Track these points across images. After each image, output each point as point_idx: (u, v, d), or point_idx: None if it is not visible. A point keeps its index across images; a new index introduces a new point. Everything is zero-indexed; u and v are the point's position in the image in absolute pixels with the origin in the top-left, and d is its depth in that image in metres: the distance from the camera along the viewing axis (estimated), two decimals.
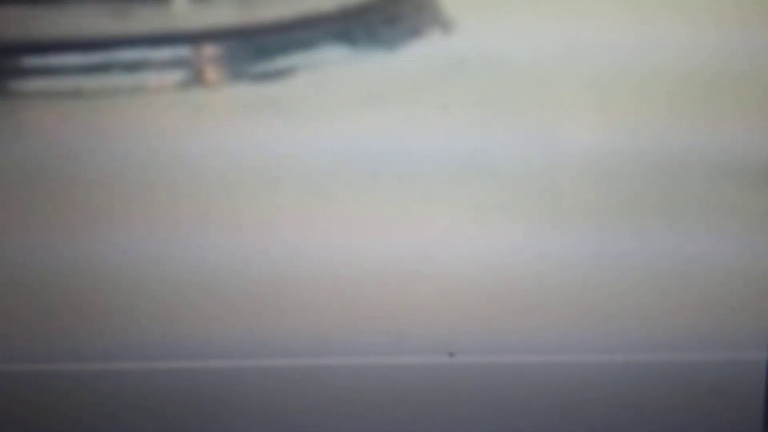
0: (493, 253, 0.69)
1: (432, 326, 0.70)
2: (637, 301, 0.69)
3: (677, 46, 0.65)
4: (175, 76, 0.66)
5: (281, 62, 0.66)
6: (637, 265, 0.69)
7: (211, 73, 0.67)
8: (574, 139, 0.67)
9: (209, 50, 0.66)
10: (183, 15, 0.66)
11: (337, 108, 0.66)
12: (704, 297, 0.69)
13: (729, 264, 0.69)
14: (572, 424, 0.71)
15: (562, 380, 0.71)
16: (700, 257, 0.68)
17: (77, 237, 0.69)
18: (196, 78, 0.67)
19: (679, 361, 0.70)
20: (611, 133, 0.67)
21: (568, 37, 0.65)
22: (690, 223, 0.68)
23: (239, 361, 0.71)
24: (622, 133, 0.67)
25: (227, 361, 0.71)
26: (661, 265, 0.69)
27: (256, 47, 0.66)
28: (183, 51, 0.66)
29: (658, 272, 0.69)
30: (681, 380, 0.71)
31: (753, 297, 0.69)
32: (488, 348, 0.71)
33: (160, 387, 0.72)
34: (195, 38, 0.66)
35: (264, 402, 0.72)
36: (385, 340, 0.71)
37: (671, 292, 0.69)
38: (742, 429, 0.71)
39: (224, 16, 0.66)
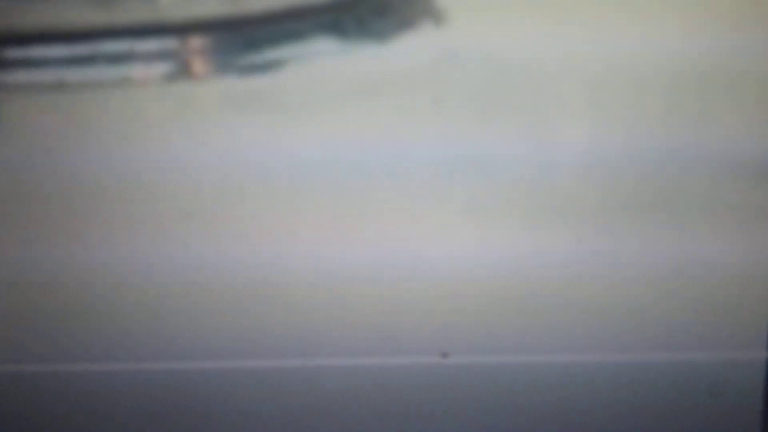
0: (487, 254, 0.68)
1: (424, 326, 0.69)
2: (635, 301, 0.68)
3: (673, 40, 0.64)
4: (161, 68, 0.65)
5: (270, 54, 0.64)
6: (635, 264, 0.67)
7: (199, 66, 0.65)
8: (569, 135, 0.65)
9: (196, 42, 0.65)
10: (169, 5, 0.65)
11: (326, 102, 0.65)
12: (703, 296, 0.68)
13: (728, 263, 0.67)
14: (568, 425, 0.70)
15: (557, 381, 0.69)
16: (699, 256, 0.67)
17: (61, 236, 0.68)
18: (183, 70, 0.65)
19: (677, 361, 0.69)
20: (608, 132, 0.65)
21: (561, 30, 0.64)
22: (689, 221, 0.67)
23: (230, 362, 0.70)
24: (619, 130, 0.65)
25: (218, 362, 0.70)
26: (660, 264, 0.67)
27: (244, 39, 0.64)
28: (169, 42, 0.65)
29: (657, 271, 0.67)
30: (680, 380, 0.69)
31: (752, 296, 0.68)
32: (482, 348, 0.69)
33: (151, 388, 0.71)
34: (182, 29, 0.65)
35: (255, 403, 0.71)
36: (377, 340, 0.69)
37: (670, 291, 0.68)
38: (740, 429, 0.70)
39: (212, 6, 0.65)
